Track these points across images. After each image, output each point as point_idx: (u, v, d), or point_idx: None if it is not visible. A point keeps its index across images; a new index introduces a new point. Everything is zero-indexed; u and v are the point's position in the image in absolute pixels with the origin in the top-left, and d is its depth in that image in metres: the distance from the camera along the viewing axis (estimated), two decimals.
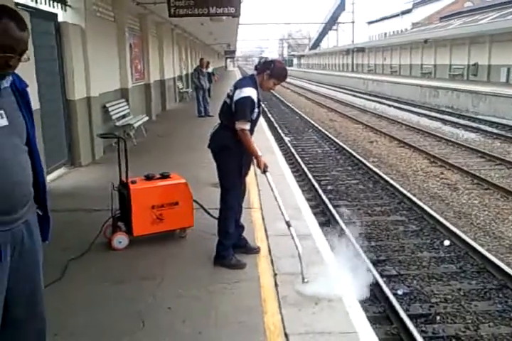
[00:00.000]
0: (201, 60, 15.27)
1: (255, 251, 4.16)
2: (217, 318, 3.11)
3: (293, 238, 3.67)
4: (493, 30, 24.28)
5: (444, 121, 17.42)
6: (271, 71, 3.85)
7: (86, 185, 6.61)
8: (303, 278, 3.50)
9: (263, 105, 23.27)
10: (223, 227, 3.96)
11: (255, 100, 3.79)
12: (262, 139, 9.93)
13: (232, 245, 4.00)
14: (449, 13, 44.47)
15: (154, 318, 3.13)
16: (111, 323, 3.08)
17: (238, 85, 3.86)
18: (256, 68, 3.98)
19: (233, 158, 3.86)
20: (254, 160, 3.91)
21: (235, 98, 3.78)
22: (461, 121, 17.22)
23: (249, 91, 3.77)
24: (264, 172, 3.85)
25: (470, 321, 4.36)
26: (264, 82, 3.89)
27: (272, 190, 3.83)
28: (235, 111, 3.79)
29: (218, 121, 4.04)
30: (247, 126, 3.79)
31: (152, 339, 2.90)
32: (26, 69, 5.72)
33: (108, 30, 10.28)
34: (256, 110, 3.84)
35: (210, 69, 16.78)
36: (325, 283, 3.40)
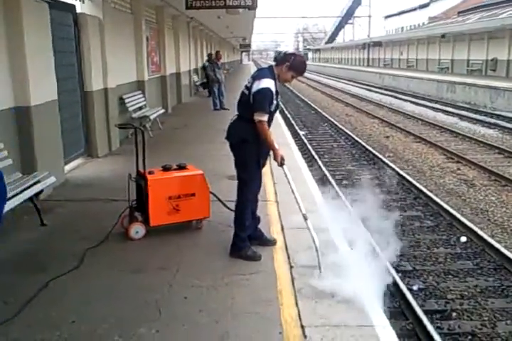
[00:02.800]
0: (217, 52, 15.24)
1: (271, 243, 4.16)
2: (234, 309, 3.12)
3: (310, 231, 3.64)
4: None
5: (461, 117, 17.21)
6: (290, 63, 3.81)
7: (103, 175, 6.66)
8: (320, 271, 3.48)
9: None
10: (240, 219, 3.95)
11: (273, 91, 3.76)
12: (278, 133, 9.91)
13: (248, 237, 4.00)
14: (468, 7, 43.76)
15: (171, 307, 3.14)
16: (128, 312, 3.11)
17: (256, 76, 3.82)
18: (275, 59, 3.94)
19: (251, 150, 3.84)
20: (271, 153, 3.88)
21: (253, 89, 3.74)
22: (479, 117, 16.99)
23: (268, 83, 3.73)
24: (281, 165, 3.80)
25: (487, 318, 4.32)
26: (282, 74, 3.85)
27: (288, 182, 3.79)
28: (253, 103, 3.75)
29: (236, 113, 4.01)
30: (265, 118, 3.75)
31: (169, 328, 2.91)
32: (45, 61, 5.78)
33: (125, 22, 10.30)
34: (274, 102, 3.80)
35: None
36: (340, 279, 3.37)
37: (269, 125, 3.89)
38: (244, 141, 3.85)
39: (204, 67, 16.18)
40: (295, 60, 3.83)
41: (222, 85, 14.32)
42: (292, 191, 3.77)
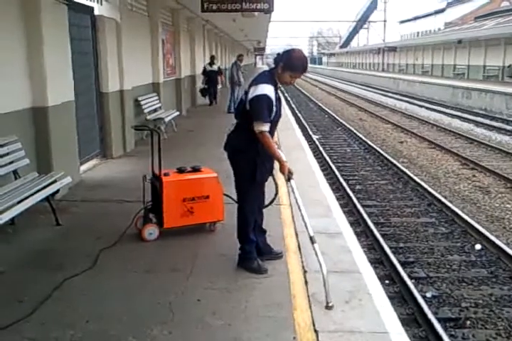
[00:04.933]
0: (239, 55, 15.37)
1: (280, 255, 3.95)
2: (247, 312, 3.11)
3: (317, 256, 3.29)
4: None
5: (477, 123, 17.06)
6: (284, 62, 3.43)
7: (118, 176, 6.69)
8: (327, 304, 3.15)
9: (287, 103, 22.97)
10: (243, 233, 3.76)
11: (272, 98, 3.41)
12: (292, 136, 9.90)
13: (258, 251, 3.83)
14: (485, 12, 43.43)
15: (184, 309, 3.14)
16: (141, 313, 3.11)
17: (254, 81, 3.49)
18: (274, 61, 3.57)
19: (245, 162, 3.54)
20: (276, 166, 3.56)
21: (250, 96, 3.43)
22: (495, 124, 16.84)
23: (265, 89, 3.39)
24: (288, 179, 3.41)
25: (502, 327, 4.25)
26: (280, 76, 3.48)
27: (296, 202, 3.42)
28: (251, 112, 3.43)
29: (235, 121, 3.72)
30: (266, 128, 3.38)
31: (182, 330, 2.91)
32: (63, 62, 5.84)
33: (142, 24, 10.38)
34: (274, 109, 3.45)
35: (215, 67, 15.93)
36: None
37: (272, 135, 3.53)
38: (238, 151, 3.57)
39: (216, 70, 16.11)
40: (290, 58, 3.44)
41: (240, 88, 14.26)
42: (300, 209, 3.38)
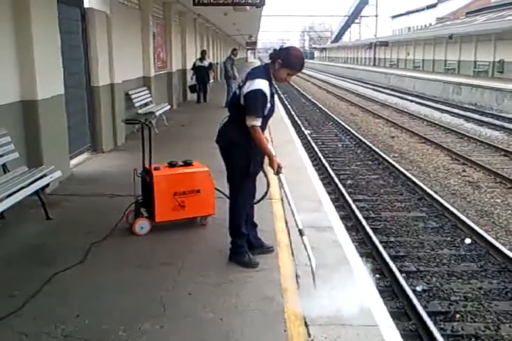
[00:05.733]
0: (233, 50, 15.28)
1: (271, 249, 3.97)
2: (238, 306, 3.11)
3: (306, 249, 3.29)
4: None
5: (467, 118, 17.16)
6: (283, 59, 3.45)
7: (108, 170, 6.66)
8: (314, 285, 3.23)
9: (279, 98, 22.96)
10: (234, 227, 3.76)
11: (267, 93, 3.43)
12: (283, 131, 9.89)
13: (249, 245, 3.83)
14: (476, 8, 43.56)
15: (175, 303, 3.14)
16: (132, 307, 3.11)
17: (249, 76, 3.50)
18: (270, 56, 3.57)
19: (239, 155, 3.56)
20: (266, 160, 3.56)
21: (245, 90, 3.43)
22: (485, 119, 16.94)
23: (260, 84, 3.40)
24: (277, 173, 3.46)
25: (490, 321, 4.30)
26: (276, 72, 3.50)
27: (285, 194, 3.44)
28: (245, 106, 3.44)
29: (227, 114, 3.75)
30: (258, 123, 3.42)
31: (174, 324, 2.91)
32: (53, 55, 5.78)
33: (132, 17, 10.30)
34: (268, 105, 3.47)
35: (206, 62, 15.69)
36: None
37: (263, 129, 3.54)
38: (232, 145, 3.59)
39: (210, 66, 15.98)
40: (288, 55, 3.46)
41: (235, 82, 14.13)
42: (289, 204, 3.44)
